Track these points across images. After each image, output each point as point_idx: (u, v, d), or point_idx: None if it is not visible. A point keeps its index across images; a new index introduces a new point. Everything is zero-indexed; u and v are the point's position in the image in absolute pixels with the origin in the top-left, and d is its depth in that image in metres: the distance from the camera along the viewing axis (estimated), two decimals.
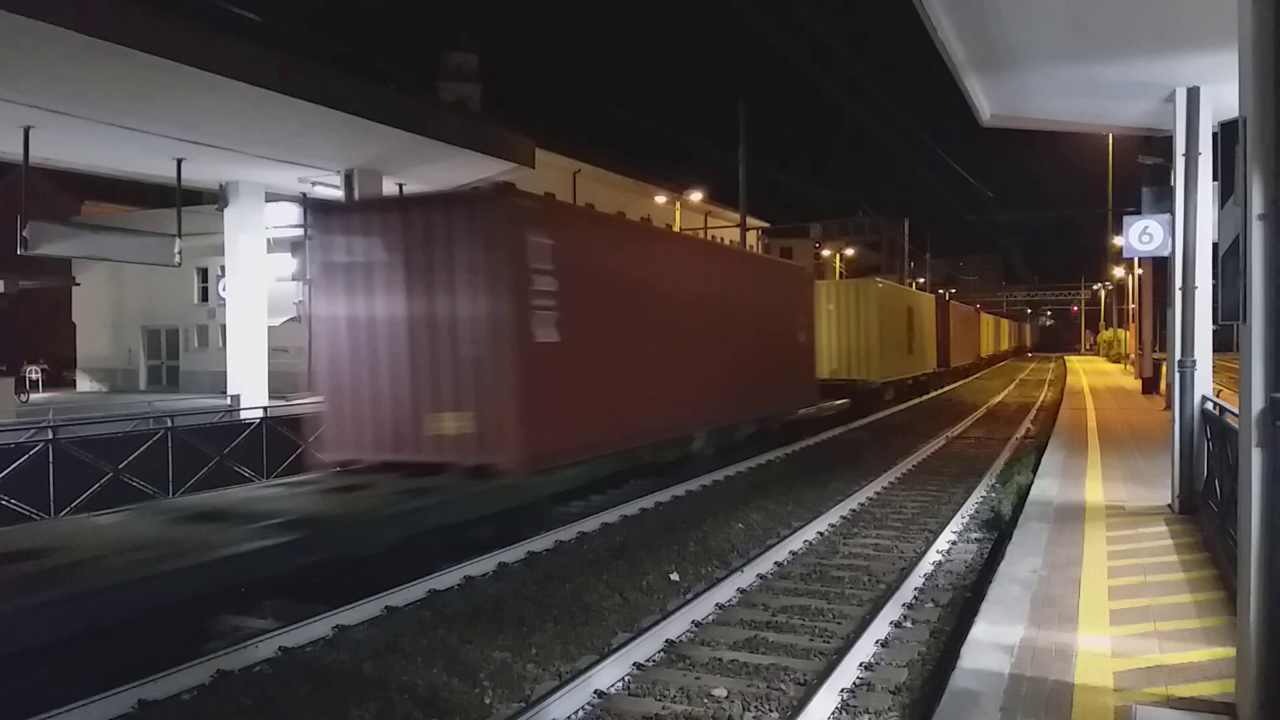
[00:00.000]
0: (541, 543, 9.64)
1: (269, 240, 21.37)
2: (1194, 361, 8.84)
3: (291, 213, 23.36)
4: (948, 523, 10.44)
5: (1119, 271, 49.01)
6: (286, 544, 7.41)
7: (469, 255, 9.84)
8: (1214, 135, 8.82)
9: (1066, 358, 70.97)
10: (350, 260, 10.42)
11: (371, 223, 10.47)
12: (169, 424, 12.33)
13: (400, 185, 20.73)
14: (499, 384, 9.73)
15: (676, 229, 37.20)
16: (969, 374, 46.81)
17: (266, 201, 21.21)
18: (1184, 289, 8.80)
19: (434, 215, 10.14)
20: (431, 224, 10.07)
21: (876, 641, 6.59)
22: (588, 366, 11.11)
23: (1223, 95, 8.52)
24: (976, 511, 11.35)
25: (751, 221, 36.10)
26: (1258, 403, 3.91)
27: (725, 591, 7.82)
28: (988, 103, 10.11)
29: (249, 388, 19.69)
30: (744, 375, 15.87)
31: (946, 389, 37.07)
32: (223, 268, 21.92)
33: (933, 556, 9.01)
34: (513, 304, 9.80)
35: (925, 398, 31.90)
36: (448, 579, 8.23)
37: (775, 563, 8.90)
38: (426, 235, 10.06)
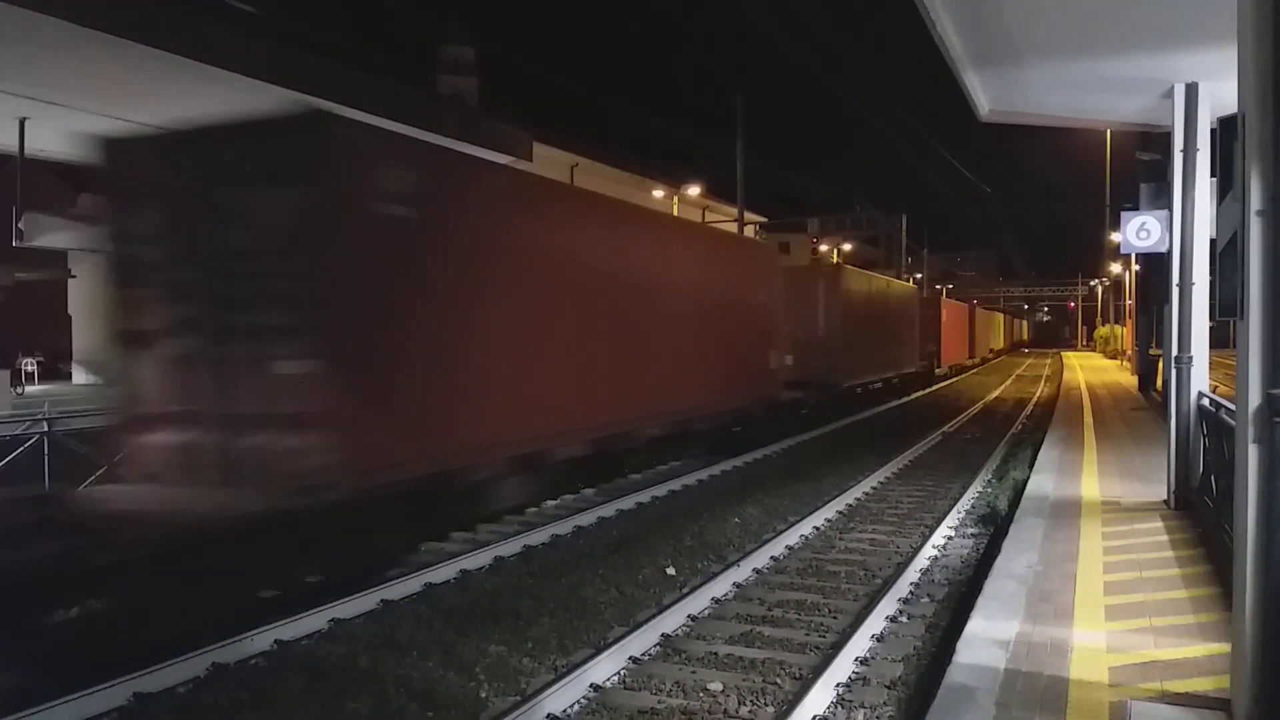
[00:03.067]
0: (538, 537, 9.64)
1: None
2: (1191, 358, 8.84)
3: None
4: (944, 518, 10.44)
5: (1116, 267, 49.04)
6: None
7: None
8: (1212, 131, 8.80)
9: (1064, 353, 71.06)
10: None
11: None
12: None
13: None
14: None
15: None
16: (963, 371, 46.68)
17: None
18: (1181, 285, 8.80)
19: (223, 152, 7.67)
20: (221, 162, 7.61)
21: (872, 636, 6.59)
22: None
23: (1221, 91, 8.51)
24: (972, 507, 11.36)
25: (749, 216, 36.05)
26: (1255, 399, 3.90)
27: (721, 586, 7.82)
28: (986, 98, 10.09)
29: None
30: (687, 368, 13.91)
31: (941, 385, 37.09)
32: None
33: (929, 552, 9.02)
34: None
35: (920, 394, 31.91)
36: (443, 573, 8.23)
37: (771, 557, 8.91)
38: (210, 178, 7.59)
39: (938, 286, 68.84)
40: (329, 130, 7.67)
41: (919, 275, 62.89)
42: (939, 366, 38.22)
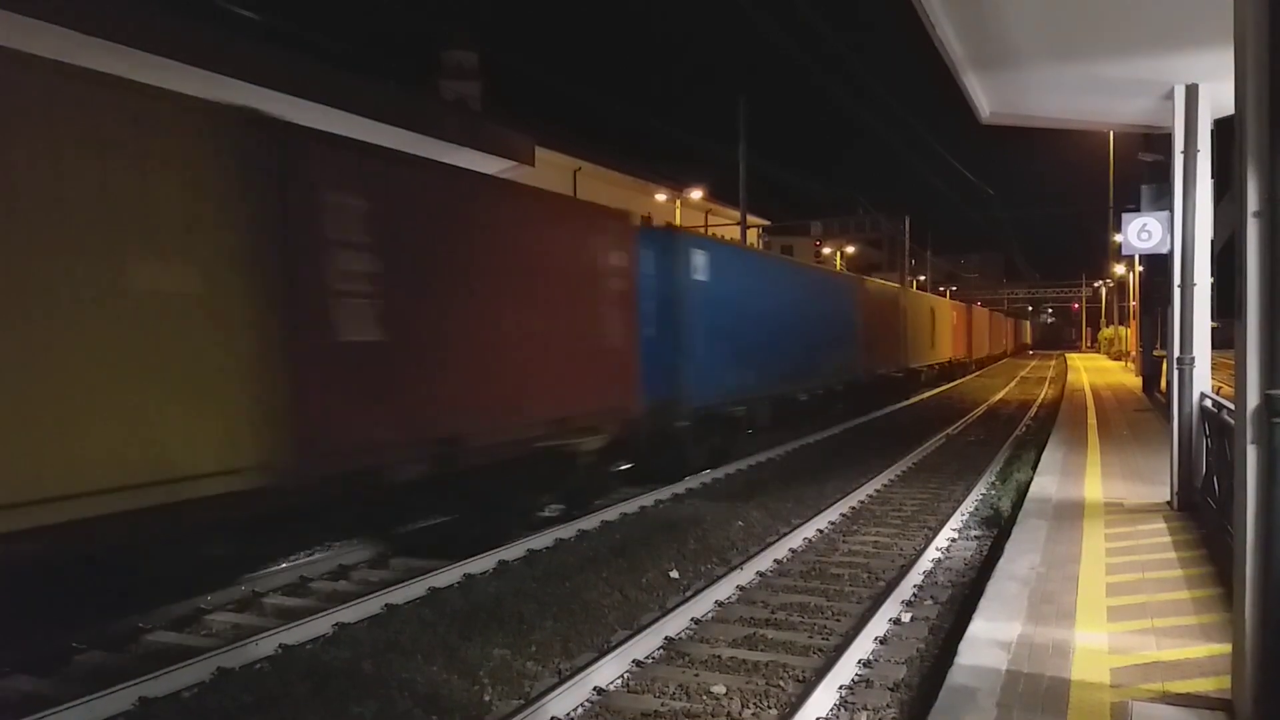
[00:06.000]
0: (541, 540, 9.66)
1: None
2: (1192, 359, 8.84)
3: None
4: (947, 520, 10.45)
5: (1120, 269, 48.95)
6: None
7: None
8: (1211, 132, 8.82)
9: (1068, 355, 70.99)
10: None
11: None
12: None
13: None
14: None
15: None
16: (960, 375, 46.16)
17: None
18: (1183, 286, 8.80)
19: None
20: None
21: (875, 639, 6.60)
22: None
23: (1221, 93, 8.52)
24: (976, 509, 11.36)
25: (752, 219, 36.10)
26: (1253, 399, 3.92)
27: (724, 589, 7.83)
28: (987, 100, 10.10)
29: None
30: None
31: (944, 388, 37.04)
32: None
33: (932, 554, 9.03)
34: None
35: (924, 396, 31.87)
36: (448, 577, 8.25)
37: (775, 560, 8.92)
38: None
39: (941, 288, 68.86)
40: None
41: (923, 277, 62.89)
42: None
